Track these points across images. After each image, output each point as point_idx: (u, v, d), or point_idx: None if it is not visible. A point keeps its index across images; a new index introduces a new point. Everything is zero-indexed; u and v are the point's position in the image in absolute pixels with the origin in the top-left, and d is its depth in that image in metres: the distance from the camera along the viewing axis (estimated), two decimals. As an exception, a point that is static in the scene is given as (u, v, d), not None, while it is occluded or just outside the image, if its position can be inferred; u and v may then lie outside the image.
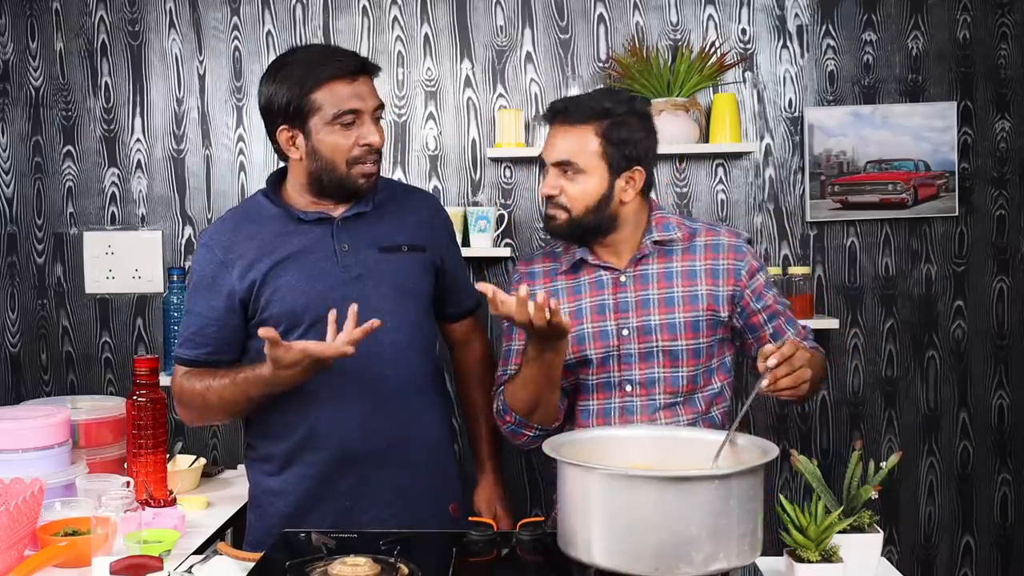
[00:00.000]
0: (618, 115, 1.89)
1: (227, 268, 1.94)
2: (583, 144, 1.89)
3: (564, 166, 1.90)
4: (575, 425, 2.00)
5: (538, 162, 2.01)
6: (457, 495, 2.09)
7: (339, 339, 1.72)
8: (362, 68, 1.90)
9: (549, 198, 1.93)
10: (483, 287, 1.74)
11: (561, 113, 1.92)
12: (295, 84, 1.86)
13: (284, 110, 1.88)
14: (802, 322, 2.08)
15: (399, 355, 1.95)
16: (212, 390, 1.91)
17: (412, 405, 1.98)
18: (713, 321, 1.95)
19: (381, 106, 1.94)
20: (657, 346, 1.93)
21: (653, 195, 2.07)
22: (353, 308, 1.74)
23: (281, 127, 1.90)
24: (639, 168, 1.92)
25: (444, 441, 2.08)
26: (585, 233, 1.95)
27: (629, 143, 1.90)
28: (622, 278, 1.97)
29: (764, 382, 1.64)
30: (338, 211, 1.96)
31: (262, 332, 1.72)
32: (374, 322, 1.72)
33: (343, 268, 1.92)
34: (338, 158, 1.88)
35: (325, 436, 1.93)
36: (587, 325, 1.96)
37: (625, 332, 1.95)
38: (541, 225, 3.12)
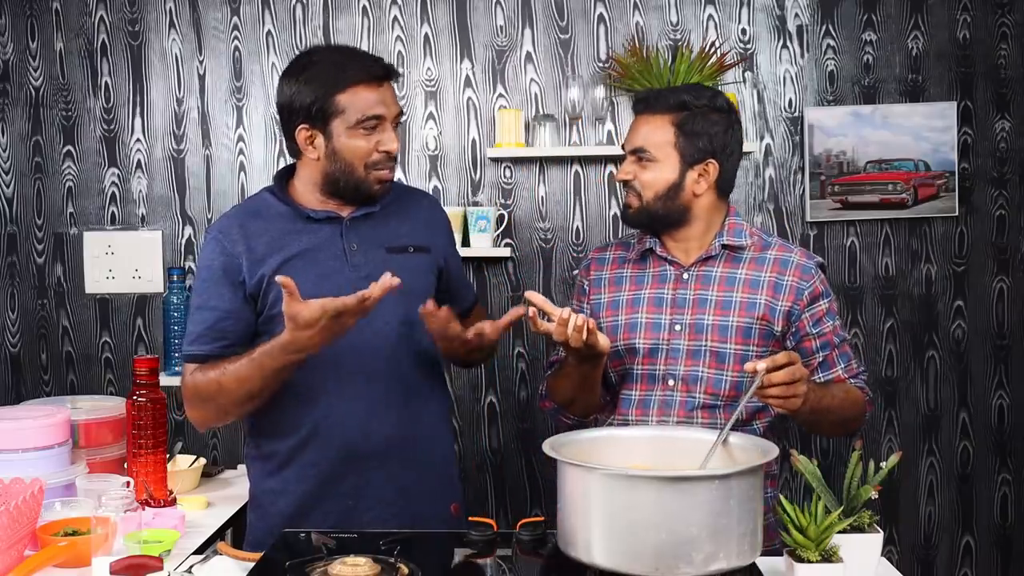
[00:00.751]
0: (696, 108, 1.95)
1: (236, 261, 1.92)
2: (658, 133, 1.96)
3: (639, 153, 1.97)
4: (616, 413, 2.02)
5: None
6: (458, 495, 2.09)
7: (357, 294, 1.71)
8: (387, 74, 1.92)
9: (625, 183, 2.01)
10: (531, 295, 1.80)
11: (643, 102, 2.00)
12: (321, 85, 1.86)
13: (306, 110, 1.87)
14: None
15: (403, 355, 1.96)
16: (228, 372, 1.86)
17: (414, 405, 1.98)
18: (766, 332, 1.96)
19: (401, 113, 1.96)
20: (706, 345, 1.95)
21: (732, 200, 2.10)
22: (386, 277, 1.73)
23: (301, 126, 1.90)
24: (713, 161, 1.97)
25: (445, 441, 2.08)
26: (656, 222, 2.00)
27: (703, 136, 1.95)
28: (685, 275, 2.00)
29: (756, 382, 1.66)
30: (346, 211, 1.96)
31: (280, 279, 1.70)
32: (394, 280, 1.72)
33: (352, 268, 1.93)
34: (357, 162, 1.89)
35: (327, 434, 1.93)
36: (642, 315, 2.00)
37: (677, 328, 1.97)
38: (541, 225, 3.13)
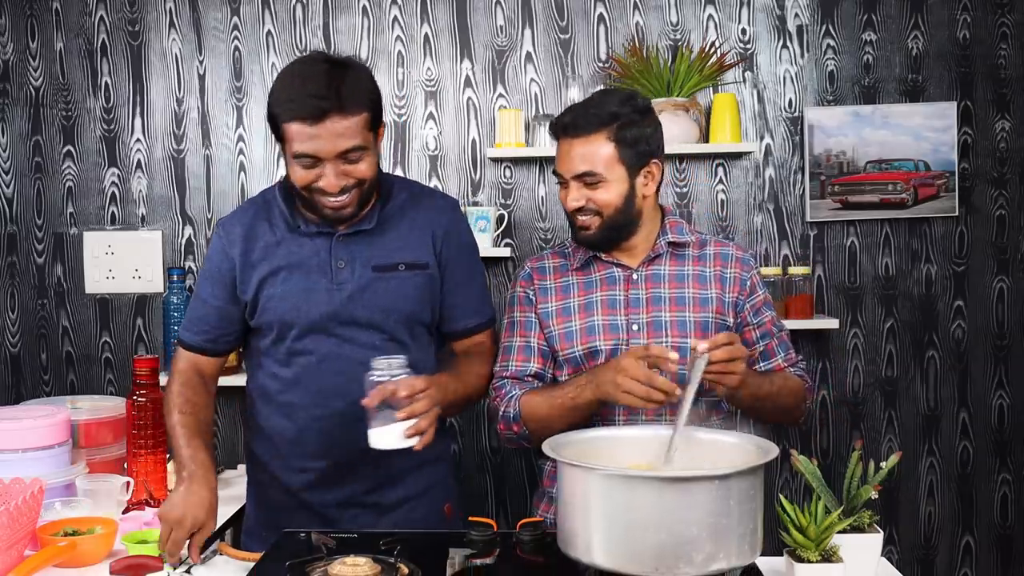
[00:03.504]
0: (624, 116, 1.92)
1: (231, 263, 1.97)
2: (598, 153, 1.91)
3: (585, 177, 1.92)
4: (601, 418, 1.97)
5: (552, 175, 2.02)
6: (452, 495, 2.09)
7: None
8: (331, 109, 1.77)
9: (578, 210, 1.95)
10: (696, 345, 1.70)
11: (570, 126, 1.93)
12: (273, 109, 1.84)
13: (271, 125, 1.87)
14: (796, 325, 2.09)
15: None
16: (171, 426, 1.94)
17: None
18: (721, 325, 1.97)
19: (354, 149, 1.81)
20: (667, 342, 1.94)
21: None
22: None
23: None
24: (655, 161, 1.96)
25: (440, 448, 2.07)
26: (617, 234, 1.97)
27: (641, 140, 1.93)
28: (634, 275, 2.00)
29: (700, 365, 1.66)
30: (339, 226, 1.94)
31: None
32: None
33: (337, 285, 1.92)
34: (300, 188, 1.86)
35: (314, 444, 1.95)
36: (597, 317, 1.99)
37: (635, 327, 1.97)
38: (541, 225, 3.12)
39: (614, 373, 1.77)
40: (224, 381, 2.36)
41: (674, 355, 1.71)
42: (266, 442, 2.01)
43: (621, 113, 1.91)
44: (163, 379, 2.23)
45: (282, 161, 3.10)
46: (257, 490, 2.08)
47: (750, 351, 1.97)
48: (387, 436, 1.72)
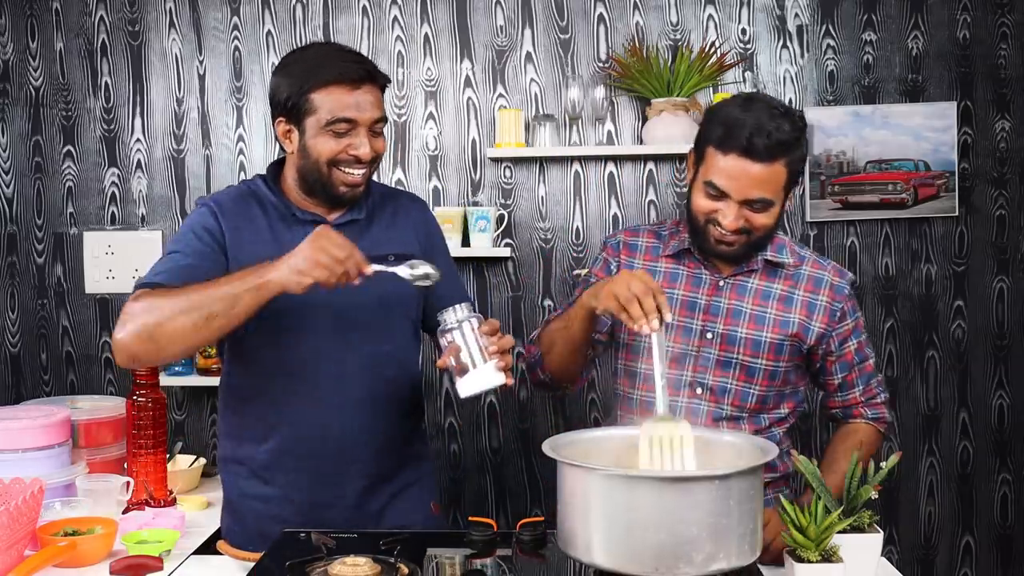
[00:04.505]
0: (798, 140, 1.82)
1: (222, 235, 1.87)
2: (776, 180, 1.80)
3: (756, 204, 1.81)
4: (638, 415, 1.93)
5: (705, 185, 1.85)
6: (434, 493, 2.08)
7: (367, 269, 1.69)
8: (368, 77, 1.86)
9: (733, 231, 1.84)
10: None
11: (762, 150, 1.77)
12: (297, 80, 1.84)
13: (283, 104, 1.86)
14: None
15: (375, 366, 1.92)
16: (187, 287, 1.71)
17: (383, 407, 1.95)
18: (795, 348, 1.93)
19: (382, 119, 1.88)
20: (737, 358, 1.91)
21: None
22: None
23: (279, 119, 1.89)
24: (799, 181, 1.91)
25: (420, 446, 2.07)
26: (754, 253, 1.91)
27: (802, 163, 1.86)
28: (721, 283, 1.94)
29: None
30: (332, 215, 1.93)
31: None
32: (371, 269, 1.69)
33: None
34: (323, 161, 1.85)
35: (296, 440, 1.90)
36: (674, 317, 1.91)
37: (709, 336, 1.92)
38: (541, 225, 3.12)
39: (615, 281, 1.71)
40: (214, 381, 2.35)
41: (668, 317, 1.66)
42: (244, 440, 1.96)
43: (799, 137, 1.82)
44: (163, 379, 2.24)
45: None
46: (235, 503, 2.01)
47: (828, 380, 1.97)
48: (481, 378, 1.66)
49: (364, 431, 1.92)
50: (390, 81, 1.94)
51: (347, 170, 1.85)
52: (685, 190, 3.10)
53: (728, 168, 1.79)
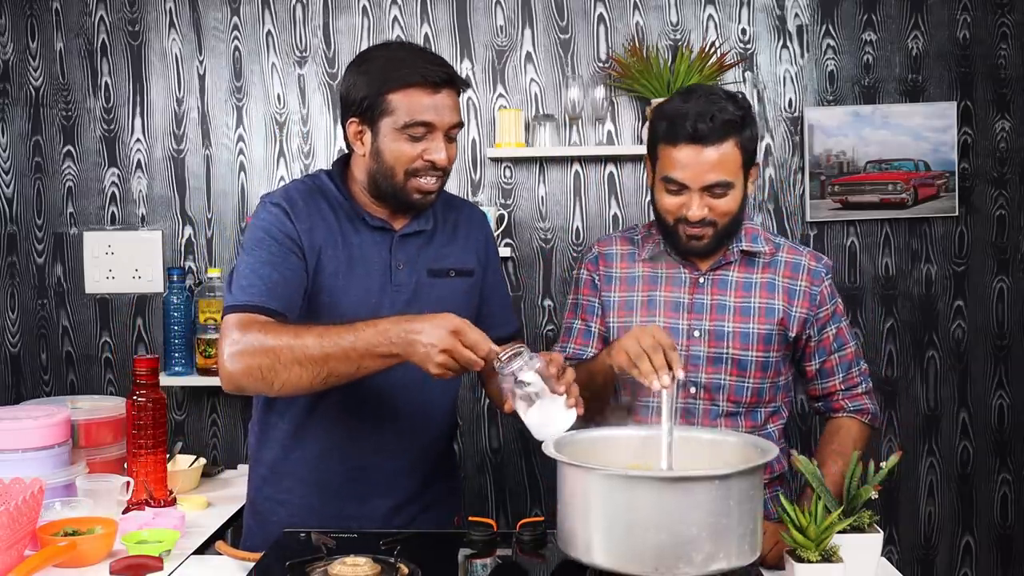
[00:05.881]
0: (748, 118, 1.84)
1: (297, 236, 1.82)
2: (730, 161, 1.81)
3: (715, 188, 1.82)
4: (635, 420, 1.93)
5: (658, 178, 1.87)
6: (459, 508, 2.08)
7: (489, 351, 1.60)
8: (449, 80, 1.80)
9: (698, 221, 1.84)
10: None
11: (700, 134, 1.79)
12: (375, 80, 1.78)
13: (358, 103, 1.80)
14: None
15: (420, 382, 1.84)
16: (301, 332, 1.66)
17: (431, 429, 1.94)
18: (783, 337, 1.93)
19: (459, 125, 1.82)
20: (727, 353, 1.91)
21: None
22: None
23: (351, 120, 1.82)
24: (756, 162, 1.91)
25: (450, 459, 2.06)
26: (727, 242, 1.91)
27: (753, 141, 1.87)
28: (701, 280, 1.94)
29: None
30: (399, 223, 1.88)
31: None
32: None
33: (394, 287, 1.86)
34: (398, 167, 1.79)
35: (333, 452, 1.89)
36: (659, 319, 1.93)
37: (696, 334, 1.92)
38: (541, 225, 3.12)
39: (627, 336, 1.68)
40: (214, 381, 2.34)
41: (680, 374, 1.63)
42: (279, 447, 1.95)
43: (745, 116, 1.83)
44: (163, 379, 2.23)
45: (282, 161, 3.11)
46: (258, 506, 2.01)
47: (806, 366, 1.97)
48: (555, 421, 1.63)
49: (402, 450, 1.91)
50: (469, 86, 1.91)
51: (423, 178, 1.80)
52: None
53: (681, 159, 1.81)
